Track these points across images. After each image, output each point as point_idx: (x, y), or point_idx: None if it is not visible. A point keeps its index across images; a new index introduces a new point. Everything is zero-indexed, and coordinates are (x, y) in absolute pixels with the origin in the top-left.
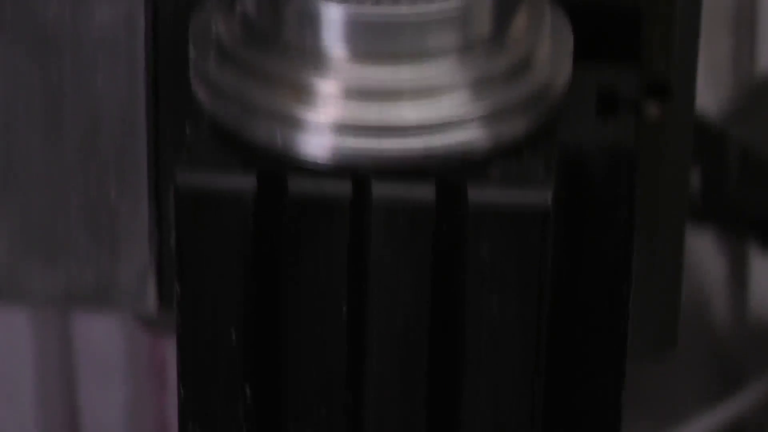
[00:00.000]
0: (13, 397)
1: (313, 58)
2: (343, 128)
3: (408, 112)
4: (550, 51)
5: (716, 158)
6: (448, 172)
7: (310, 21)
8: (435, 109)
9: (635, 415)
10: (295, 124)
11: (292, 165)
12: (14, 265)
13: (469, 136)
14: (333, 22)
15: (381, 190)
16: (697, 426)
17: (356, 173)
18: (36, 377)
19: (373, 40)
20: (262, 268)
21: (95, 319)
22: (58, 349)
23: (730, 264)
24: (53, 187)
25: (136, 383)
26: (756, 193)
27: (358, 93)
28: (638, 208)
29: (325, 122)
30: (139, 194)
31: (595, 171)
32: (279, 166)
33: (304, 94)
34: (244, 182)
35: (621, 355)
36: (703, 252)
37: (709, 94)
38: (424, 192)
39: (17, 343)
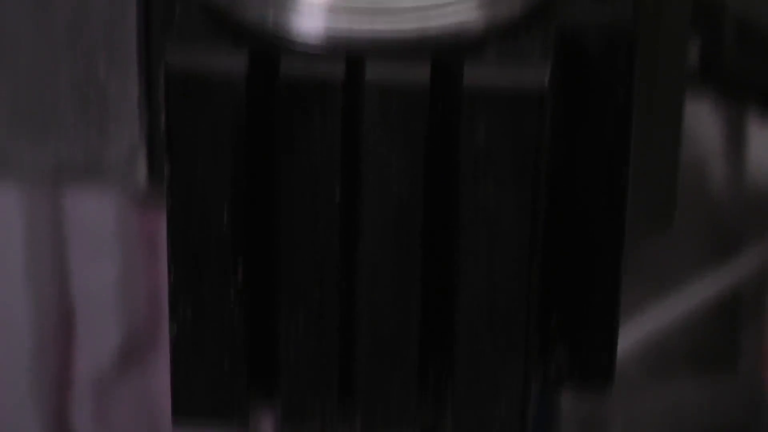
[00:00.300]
0: (4, 272)
1: None
2: (337, 9)
3: None
4: None
5: (713, 28)
6: (443, 53)
7: None
8: None
9: (632, 283)
10: (287, 4)
11: (284, 46)
12: (3, 141)
13: (465, 16)
14: None
15: (374, 71)
16: (694, 294)
17: (349, 55)
18: (27, 252)
19: None
20: (254, 149)
21: (86, 192)
22: (48, 224)
23: (727, 132)
24: (42, 64)
25: (127, 256)
26: (753, 61)
27: None
28: (636, 87)
29: (318, 3)
30: (128, 72)
31: (593, 51)
32: (271, 47)
33: None
34: (235, 63)
35: (619, 235)
36: (701, 121)
37: None
38: (419, 73)
39: (8, 219)
